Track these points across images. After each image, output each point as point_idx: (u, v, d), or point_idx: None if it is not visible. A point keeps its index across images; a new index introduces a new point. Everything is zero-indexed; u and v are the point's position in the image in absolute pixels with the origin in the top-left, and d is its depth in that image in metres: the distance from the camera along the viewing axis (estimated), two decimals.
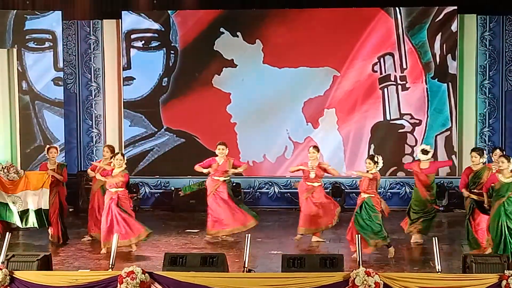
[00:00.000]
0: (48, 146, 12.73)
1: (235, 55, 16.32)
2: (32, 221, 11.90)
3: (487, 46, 16.09)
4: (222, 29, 16.33)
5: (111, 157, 12.01)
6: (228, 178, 12.70)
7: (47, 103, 16.17)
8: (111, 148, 12.57)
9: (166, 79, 16.47)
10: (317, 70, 16.20)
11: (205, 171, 12.68)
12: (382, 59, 16.10)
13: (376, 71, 16.11)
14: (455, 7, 15.81)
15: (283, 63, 16.22)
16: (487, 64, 16.10)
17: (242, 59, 16.32)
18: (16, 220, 11.92)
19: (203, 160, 12.81)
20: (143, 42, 16.52)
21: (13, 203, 11.86)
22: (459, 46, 15.96)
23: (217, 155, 12.63)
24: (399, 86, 16.12)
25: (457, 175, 15.08)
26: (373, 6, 15.99)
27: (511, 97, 16.10)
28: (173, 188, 16.23)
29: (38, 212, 11.86)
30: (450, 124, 16.01)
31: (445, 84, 16.01)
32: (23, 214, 11.88)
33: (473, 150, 11.62)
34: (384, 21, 16.04)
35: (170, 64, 16.45)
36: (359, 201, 11.30)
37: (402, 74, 16.09)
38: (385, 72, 16.12)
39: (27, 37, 16.00)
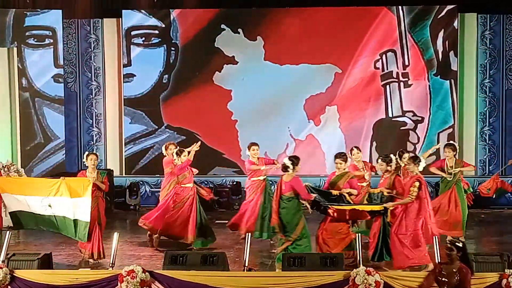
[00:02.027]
0: (87, 152, 10.96)
1: (236, 52, 16.29)
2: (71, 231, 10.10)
3: (488, 45, 16.05)
4: (223, 26, 16.29)
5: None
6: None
7: (47, 100, 16.14)
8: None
9: (166, 76, 16.44)
10: (319, 67, 16.16)
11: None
12: (384, 56, 16.07)
13: (378, 68, 16.08)
14: (455, 5, 15.78)
15: (284, 60, 16.19)
16: (488, 63, 16.06)
17: (243, 56, 16.28)
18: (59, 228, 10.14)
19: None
20: (143, 39, 16.48)
21: (49, 206, 9.97)
22: (460, 45, 15.93)
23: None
24: (401, 83, 16.08)
25: None
26: (376, 5, 15.95)
27: (511, 96, 16.07)
28: None
29: (75, 222, 9.99)
30: (453, 121, 15.97)
31: (448, 81, 15.97)
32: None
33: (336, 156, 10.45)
34: (386, 18, 16.00)
35: (171, 61, 16.42)
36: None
37: (404, 71, 16.05)
38: (387, 69, 16.08)
39: (27, 33, 15.98)
